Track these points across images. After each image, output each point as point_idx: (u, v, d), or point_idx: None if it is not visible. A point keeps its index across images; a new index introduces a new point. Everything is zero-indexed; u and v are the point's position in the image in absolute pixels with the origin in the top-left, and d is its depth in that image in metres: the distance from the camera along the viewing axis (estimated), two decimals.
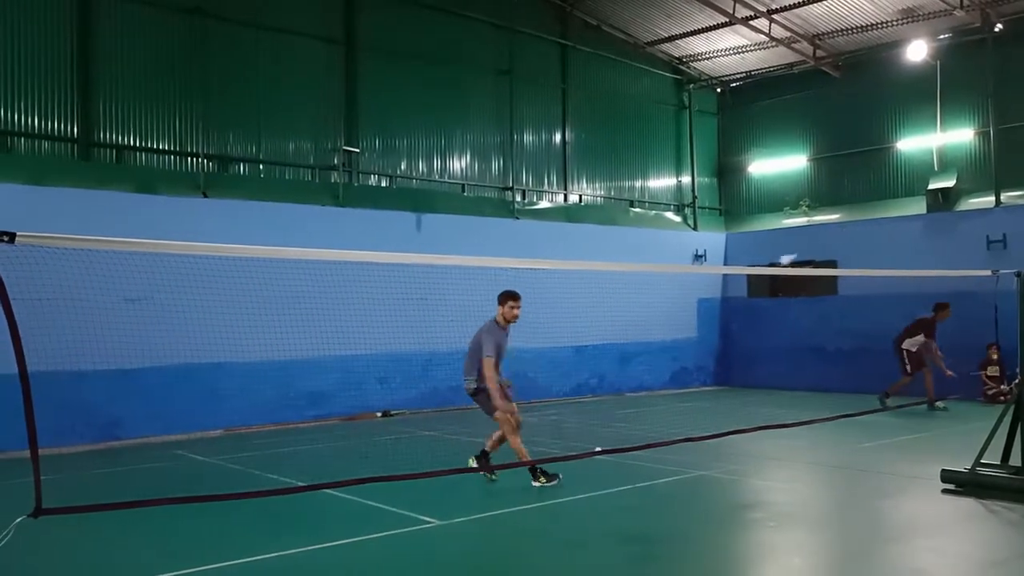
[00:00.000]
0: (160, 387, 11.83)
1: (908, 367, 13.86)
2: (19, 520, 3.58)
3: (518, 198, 16.84)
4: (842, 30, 17.19)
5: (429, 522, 6.67)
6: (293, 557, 5.78)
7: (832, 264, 17.16)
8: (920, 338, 13.81)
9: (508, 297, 8.22)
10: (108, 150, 12.51)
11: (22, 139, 11.80)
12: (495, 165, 16.69)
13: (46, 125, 11.97)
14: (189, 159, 13.17)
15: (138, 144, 12.74)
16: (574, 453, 7.74)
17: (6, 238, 3.41)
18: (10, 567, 5.28)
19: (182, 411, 12.04)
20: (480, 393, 8.04)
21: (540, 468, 7.73)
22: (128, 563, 5.82)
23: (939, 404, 13.55)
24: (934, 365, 13.78)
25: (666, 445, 8.10)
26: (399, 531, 6.49)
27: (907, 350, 13.90)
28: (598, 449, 8.14)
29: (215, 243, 5.63)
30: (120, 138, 12.59)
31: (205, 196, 12.91)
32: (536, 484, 7.72)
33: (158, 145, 12.91)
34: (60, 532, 6.03)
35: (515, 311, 8.17)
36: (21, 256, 4.26)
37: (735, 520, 7.02)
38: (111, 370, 11.05)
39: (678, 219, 19.74)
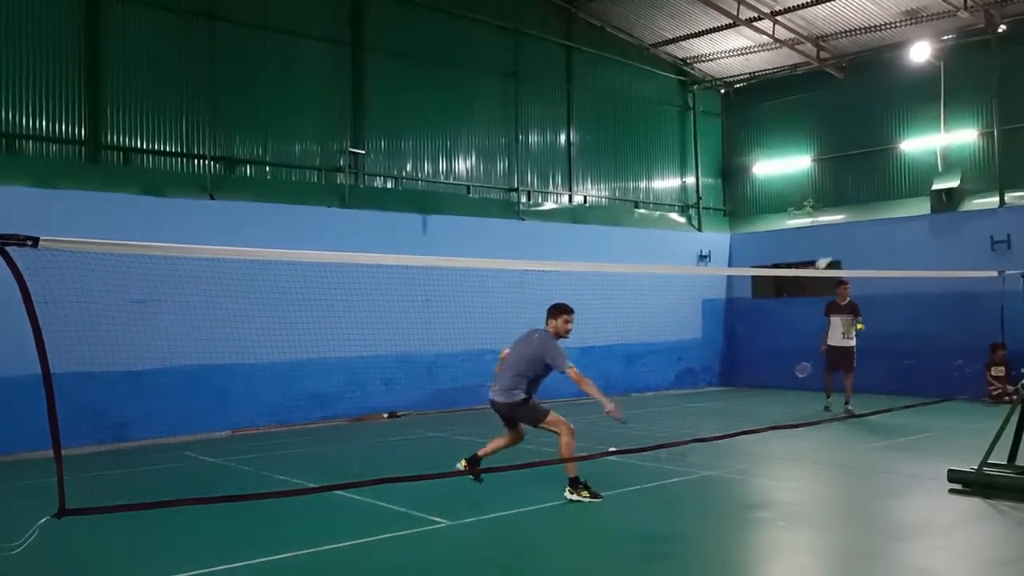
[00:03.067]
0: (168, 388, 11.86)
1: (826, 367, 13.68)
2: (43, 520, 3.62)
3: (523, 199, 16.88)
4: (846, 31, 17.21)
5: (439, 523, 6.71)
6: (305, 558, 5.82)
7: (836, 265, 17.17)
8: (846, 319, 13.45)
9: (562, 311, 7.78)
10: (115, 152, 12.57)
11: (30, 142, 11.86)
12: (500, 166, 16.74)
13: (54, 128, 12.02)
14: (196, 161, 13.22)
15: (145, 146, 12.79)
16: (587, 454, 7.75)
17: (30, 242, 3.44)
18: (25, 567, 5.33)
19: (190, 412, 12.08)
20: (524, 404, 7.68)
21: (584, 482, 7.38)
22: (142, 563, 5.86)
23: (829, 404, 13.50)
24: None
25: (677, 445, 8.14)
26: (410, 531, 6.53)
27: (831, 346, 13.60)
28: (612, 449, 8.14)
29: (222, 245, 5.71)
30: (127, 140, 12.65)
31: (212, 198, 12.95)
32: (573, 498, 7.33)
33: (165, 147, 12.97)
34: (74, 533, 6.07)
35: (568, 325, 7.72)
36: (31, 259, 4.30)
37: (744, 520, 7.06)
38: (119, 371, 11.09)
39: (682, 220, 19.78)
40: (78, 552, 6.02)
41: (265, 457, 10.37)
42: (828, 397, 13.65)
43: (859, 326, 13.31)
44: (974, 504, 7.09)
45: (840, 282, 13.80)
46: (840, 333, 13.49)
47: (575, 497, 7.34)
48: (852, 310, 13.59)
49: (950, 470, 7.67)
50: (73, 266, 8.29)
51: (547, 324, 7.75)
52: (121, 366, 10.85)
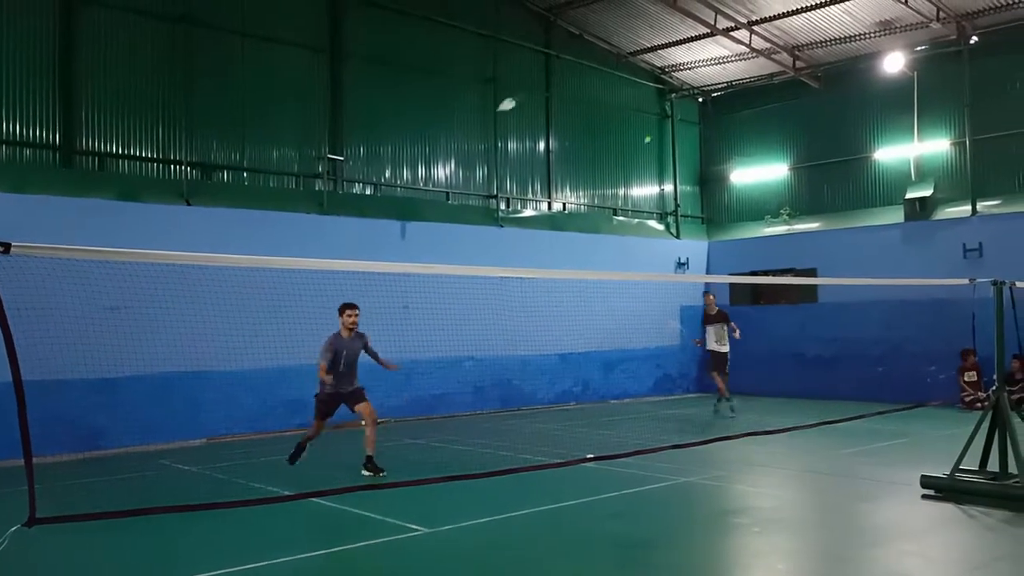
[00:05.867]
0: (142, 396, 11.73)
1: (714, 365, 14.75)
2: (13, 529, 3.58)
3: (502, 206, 16.91)
4: (821, 42, 17.42)
5: (417, 530, 6.69)
6: (281, 566, 5.78)
7: (812, 272, 17.37)
8: (717, 328, 14.54)
9: (348, 307, 9.60)
10: (90, 157, 12.44)
11: (3, 146, 11.70)
12: (479, 173, 16.75)
13: (27, 132, 11.88)
14: (172, 166, 13.11)
15: (120, 151, 12.67)
16: (564, 460, 7.77)
17: (1, 248, 3.41)
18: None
19: (165, 420, 11.95)
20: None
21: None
22: (115, 572, 5.79)
23: (730, 403, 14.34)
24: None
25: (653, 452, 8.17)
26: (387, 539, 6.50)
27: (709, 350, 14.74)
28: (590, 456, 8.16)
29: (198, 251, 5.65)
30: (102, 145, 12.52)
31: (188, 204, 12.85)
32: (366, 474, 9.18)
33: (141, 152, 12.86)
34: (50, 542, 5.99)
35: (353, 318, 9.50)
36: (2, 265, 4.25)
37: (720, 525, 7.11)
38: (93, 379, 10.99)
39: (661, 227, 19.89)
40: (51, 560, 5.94)
41: (241, 465, 10.30)
42: (727, 397, 14.43)
43: (736, 334, 14.46)
44: (946, 509, 7.18)
45: (705, 293, 15.06)
46: (714, 340, 14.63)
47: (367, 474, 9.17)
48: (722, 318, 14.65)
49: (923, 476, 7.76)
50: (46, 272, 8.21)
51: (344, 324, 9.58)
52: (95, 374, 10.75)
